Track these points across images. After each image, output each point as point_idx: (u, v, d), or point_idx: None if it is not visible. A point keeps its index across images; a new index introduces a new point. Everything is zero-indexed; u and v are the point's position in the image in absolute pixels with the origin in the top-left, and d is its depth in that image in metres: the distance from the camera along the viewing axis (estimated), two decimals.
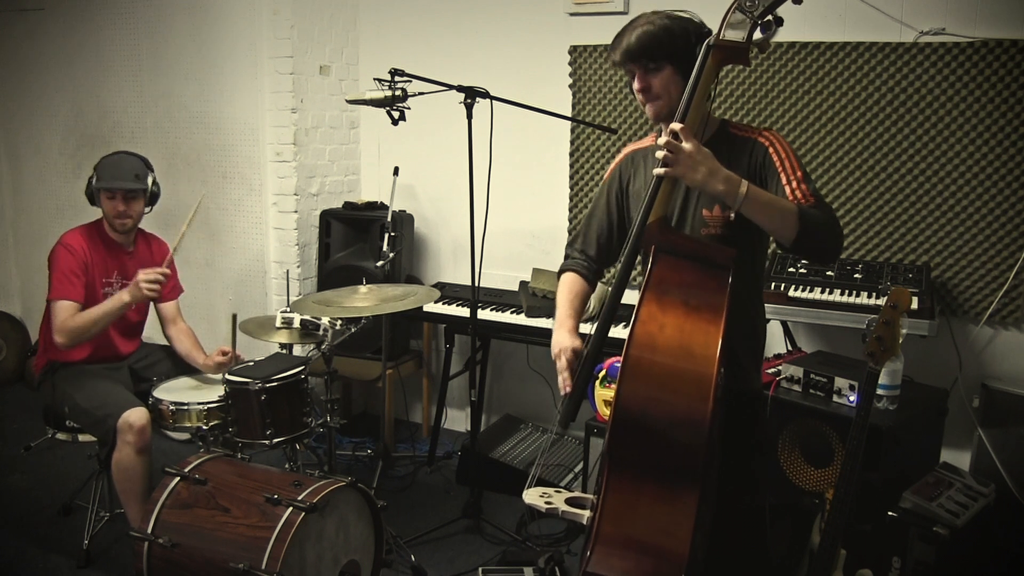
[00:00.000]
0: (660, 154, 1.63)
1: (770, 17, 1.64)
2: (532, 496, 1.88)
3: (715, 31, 1.68)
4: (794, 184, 1.76)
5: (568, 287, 2.06)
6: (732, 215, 1.79)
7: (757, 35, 1.65)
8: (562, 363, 1.88)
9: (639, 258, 1.81)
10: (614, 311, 1.77)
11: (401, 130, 2.91)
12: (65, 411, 2.90)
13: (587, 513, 1.78)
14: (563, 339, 1.92)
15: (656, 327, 1.58)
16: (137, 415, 2.72)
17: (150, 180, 3.00)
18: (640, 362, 1.56)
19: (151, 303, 3.12)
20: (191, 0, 4.03)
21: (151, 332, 3.26)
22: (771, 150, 1.81)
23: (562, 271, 2.11)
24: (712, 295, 1.63)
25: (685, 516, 1.52)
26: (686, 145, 1.61)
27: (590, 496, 1.85)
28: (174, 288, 3.22)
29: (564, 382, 1.87)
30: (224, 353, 2.96)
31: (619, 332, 2.97)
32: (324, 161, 4.09)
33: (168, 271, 2.88)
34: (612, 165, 2.09)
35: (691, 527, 1.52)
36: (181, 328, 3.19)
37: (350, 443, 3.94)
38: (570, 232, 3.78)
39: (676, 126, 1.62)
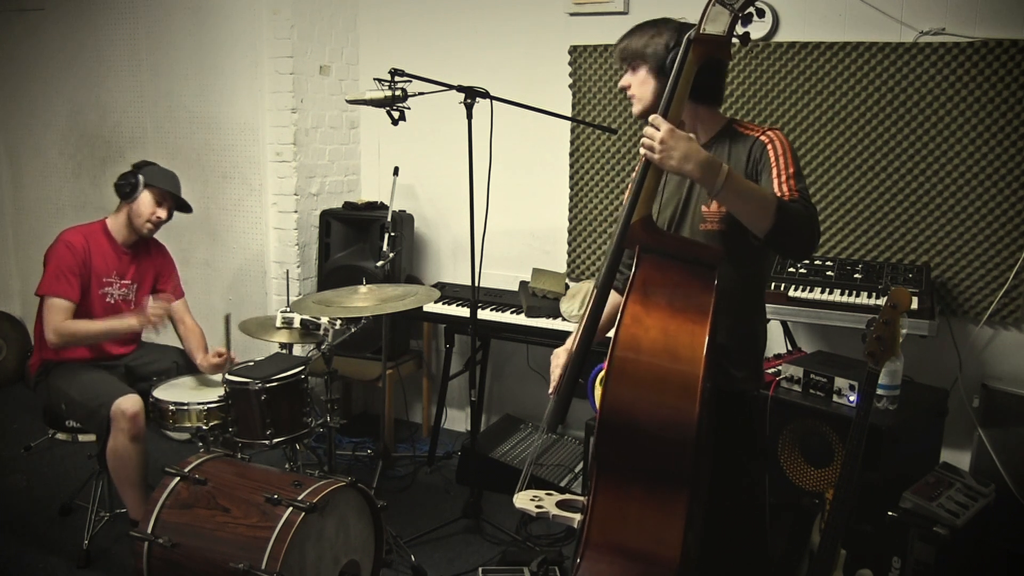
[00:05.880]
0: (644, 142, 1.66)
1: (752, 10, 1.64)
2: (523, 500, 1.87)
3: (696, 25, 1.69)
4: (783, 179, 1.76)
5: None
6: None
7: (739, 29, 1.65)
8: (554, 363, 1.90)
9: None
10: (600, 312, 1.76)
11: (401, 130, 2.91)
12: (62, 408, 2.91)
13: (578, 516, 1.77)
14: (569, 341, 1.93)
15: (641, 329, 1.56)
16: (130, 402, 2.73)
17: None
18: (625, 364, 1.54)
19: (139, 306, 3.16)
20: (191, 0, 4.04)
21: (151, 332, 3.27)
22: (769, 146, 1.81)
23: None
24: (698, 295, 1.61)
25: (675, 519, 1.51)
26: (659, 132, 1.63)
27: (581, 498, 1.84)
28: (175, 289, 3.24)
29: (553, 382, 1.89)
30: (220, 355, 3.01)
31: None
32: (324, 161, 4.09)
33: (172, 300, 3.04)
34: (633, 175, 2.10)
35: (682, 530, 1.50)
36: (190, 327, 3.20)
37: (350, 443, 3.94)
38: (570, 232, 3.78)
39: (653, 117, 1.66)
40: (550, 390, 1.88)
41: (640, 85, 1.90)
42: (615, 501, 1.55)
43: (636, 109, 1.94)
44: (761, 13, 1.68)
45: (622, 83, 1.96)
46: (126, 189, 2.98)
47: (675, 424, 1.50)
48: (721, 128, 1.90)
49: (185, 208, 3.13)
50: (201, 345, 3.14)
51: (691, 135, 1.65)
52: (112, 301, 3.04)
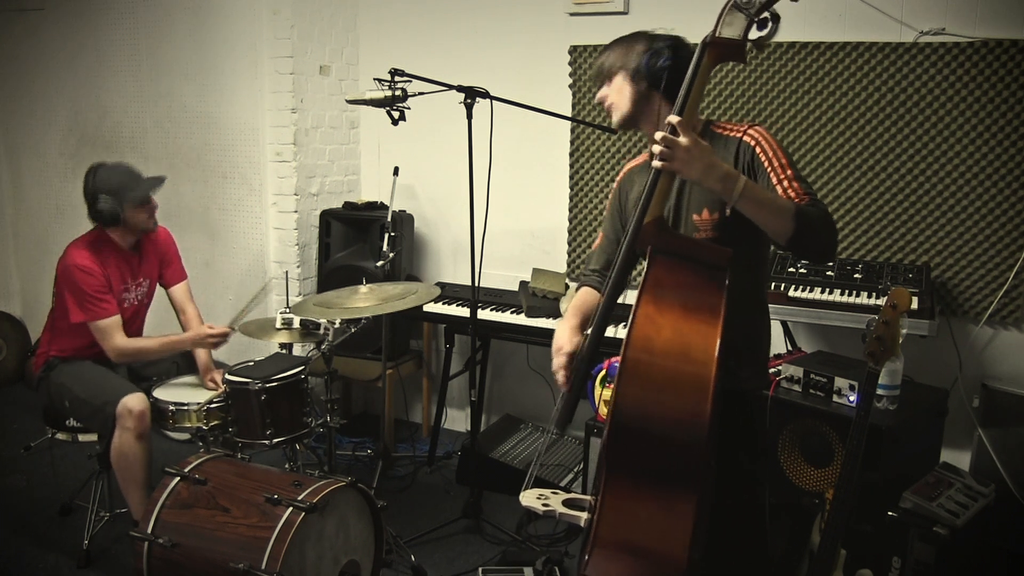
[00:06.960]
0: (657, 148, 1.61)
1: (767, 14, 1.63)
2: (529, 498, 1.87)
3: (712, 28, 1.68)
4: (785, 184, 1.75)
5: (580, 296, 2.08)
6: (725, 213, 1.79)
7: (754, 32, 1.64)
8: (558, 361, 1.88)
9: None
10: (610, 311, 1.76)
11: (401, 130, 2.91)
12: (65, 405, 2.91)
13: (585, 515, 1.77)
14: (563, 336, 1.91)
15: (653, 329, 1.56)
16: (136, 400, 2.73)
17: None
18: (638, 365, 1.54)
19: (148, 300, 3.18)
20: (191, 0, 4.04)
21: (151, 331, 3.26)
22: (758, 149, 1.80)
23: (579, 287, 2.13)
24: (709, 296, 1.61)
25: (684, 520, 1.51)
26: (682, 139, 1.59)
27: (587, 497, 1.84)
28: (178, 272, 3.22)
29: (561, 380, 1.87)
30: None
31: (619, 332, 2.97)
32: (324, 161, 4.10)
33: (233, 329, 3.03)
34: (614, 186, 2.11)
35: (690, 531, 1.51)
36: (192, 316, 3.20)
37: (350, 443, 3.94)
38: (570, 232, 3.78)
39: (673, 119, 1.61)
40: (564, 389, 1.86)
41: (617, 92, 1.89)
42: (624, 500, 1.55)
43: (615, 118, 1.92)
44: (776, 18, 1.66)
45: (598, 97, 1.96)
46: (107, 221, 2.89)
47: (687, 425, 1.50)
48: (700, 132, 1.87)
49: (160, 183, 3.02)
50: (207, 358, 3.12)
51: (709, 145, 1.64)
52: (129, 305, 3.03)
